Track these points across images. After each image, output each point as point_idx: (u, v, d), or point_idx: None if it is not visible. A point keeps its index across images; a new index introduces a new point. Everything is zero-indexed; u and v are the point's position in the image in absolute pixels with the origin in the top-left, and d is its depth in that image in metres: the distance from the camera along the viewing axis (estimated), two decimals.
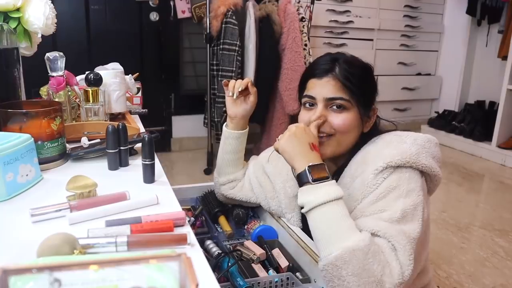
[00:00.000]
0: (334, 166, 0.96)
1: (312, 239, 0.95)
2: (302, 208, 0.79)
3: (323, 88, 0.88)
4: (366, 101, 0.91)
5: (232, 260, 0.93)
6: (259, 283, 0.88)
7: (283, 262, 0.97)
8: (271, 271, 0.96)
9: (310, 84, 0.91)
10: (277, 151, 0.86)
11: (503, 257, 1.89)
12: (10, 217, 0.70)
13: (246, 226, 1.14)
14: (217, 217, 1.17)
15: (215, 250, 1.01)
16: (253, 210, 1.21)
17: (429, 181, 0.87)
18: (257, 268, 0.95)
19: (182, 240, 0.62)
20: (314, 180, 0.77)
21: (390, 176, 0.80)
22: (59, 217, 0.70)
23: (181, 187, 1.27)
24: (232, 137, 1.09)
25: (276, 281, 0.90)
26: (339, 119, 0.88)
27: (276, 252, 1.01)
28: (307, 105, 0.92)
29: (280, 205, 1.05)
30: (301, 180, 0.79)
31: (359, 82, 0.88)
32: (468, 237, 2.08)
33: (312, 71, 0.92)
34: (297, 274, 0.93)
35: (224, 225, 1.15)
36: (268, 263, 0.98)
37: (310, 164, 0.78)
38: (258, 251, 0.98)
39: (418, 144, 0.84)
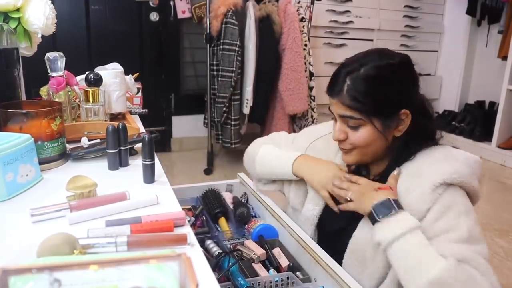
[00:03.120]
0: (376, 168, 0.96)
1: (313, 240, 0.96)
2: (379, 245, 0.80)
3: (335, 106, 0.89)
4: (385, 112, 0.87)
5: (232, 259, 0.93)
6: (259, 282, 0.88)
7: (284, 262, 0.97)
8: (271, 270, 0.96)
9: (329, 99, 0.92)
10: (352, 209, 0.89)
11: (503, 257, 1.89)
12: (10, 217, 0.71)
13: (246, 225, 1.14)
14: (217, 218, 1.17)
15: (215, 249, 1.00)
16: (254, 210, 1.21)
17: (470, 201, 0.87)
18: (258, 267, 0.95)
19: (182, 240, 0.62)
20: (382, 217, 0.79)
21: (445, 193, 0.81)
22: (59, 217, 0.70)
23: (181, 187, 1.26)
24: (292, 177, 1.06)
25: (277, 281, 0.90)
26: (355, 136, 0.89)
27: (276, 251, 1.01)
28: (332, 116, 0.94)
29: (304, 194, 1.05)
30: (372, 220, 0.82)
31: (370, 99, 0.85)
32: None
33: (329, 87, 0.91)
34: (298, 273, 0.93)
35: (224, 227, 1.15)
36: (269, 262, 0.98)
37: (375, 202, 0.81)
38: (259, 250, 0.98)
39: (469, 164, 0.85)
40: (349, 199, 0.88)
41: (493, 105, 3.67)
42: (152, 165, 0.87)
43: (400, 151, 0.91)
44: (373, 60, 0.87)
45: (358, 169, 1.00)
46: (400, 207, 0.79)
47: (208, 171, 2.95)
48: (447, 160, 0.85)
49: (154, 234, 0.64)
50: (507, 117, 3.35)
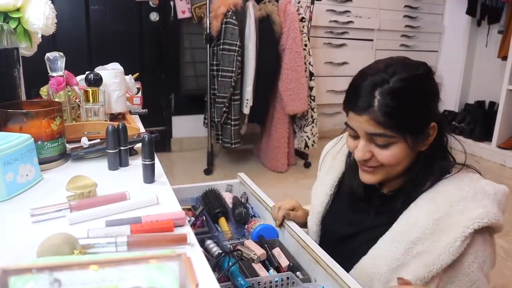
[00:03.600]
0: (389, 183, 0.90)
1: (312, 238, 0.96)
2: None
3: (363, 124, 0.80)
4: (419, 127, 0.81)
5: (232, 259, 0.93)
6: (259, 282, 0.88)
7: (284, 262, 0.97)
8: (271, 270, 0.96)
9: (350, 115, 0.83)
10: None
11: (503, 257, 1.89)
12: (10, 217, 0.70)
13: (246, 225, 1.14)
14: (217, 218, 1.17)
15: (215, 250, 1.00)
16: (254, 210, 1.21)
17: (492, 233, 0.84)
18: (258, 267, 0.95)
19: (182, 240, 0.62)
20: None
21: (475, 243, 0.78)
22: (59, 217, 0.70)
23: (181, 187, 1.26)
24: None
25: (277, 281, 0.90)
26: (385, 155, 0.81)
27: (276, 251, 1.01)
28: (351, 133, 0.85)
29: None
30: None
31: (403, 113, 0.78)
32: None
33: (351, 102, 0.82)
34: (297, 273, 0.93)
35: (224, 227, 1.14)
36: (269, 262, 0.98)
37: None
38: (259, 251, 0.98)
39: (498, 199, 0.81)
40: None
41: (493, 105, 3.67)
42: (152, 165, 0.87)
43: (420, 166, 0.85)
44: (400, 71, 0.79)
45: None
46: None
47: (208, 171, 2.95)
48: (477, 198, 0.79)
49: (154, 234, 0.64)
50: (507, 117, 3.35)
